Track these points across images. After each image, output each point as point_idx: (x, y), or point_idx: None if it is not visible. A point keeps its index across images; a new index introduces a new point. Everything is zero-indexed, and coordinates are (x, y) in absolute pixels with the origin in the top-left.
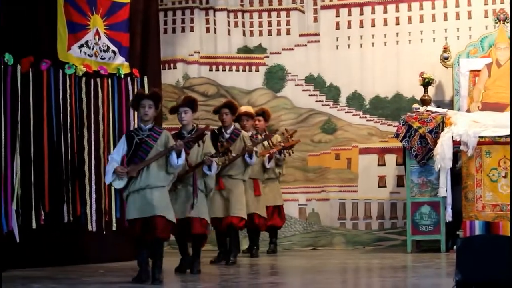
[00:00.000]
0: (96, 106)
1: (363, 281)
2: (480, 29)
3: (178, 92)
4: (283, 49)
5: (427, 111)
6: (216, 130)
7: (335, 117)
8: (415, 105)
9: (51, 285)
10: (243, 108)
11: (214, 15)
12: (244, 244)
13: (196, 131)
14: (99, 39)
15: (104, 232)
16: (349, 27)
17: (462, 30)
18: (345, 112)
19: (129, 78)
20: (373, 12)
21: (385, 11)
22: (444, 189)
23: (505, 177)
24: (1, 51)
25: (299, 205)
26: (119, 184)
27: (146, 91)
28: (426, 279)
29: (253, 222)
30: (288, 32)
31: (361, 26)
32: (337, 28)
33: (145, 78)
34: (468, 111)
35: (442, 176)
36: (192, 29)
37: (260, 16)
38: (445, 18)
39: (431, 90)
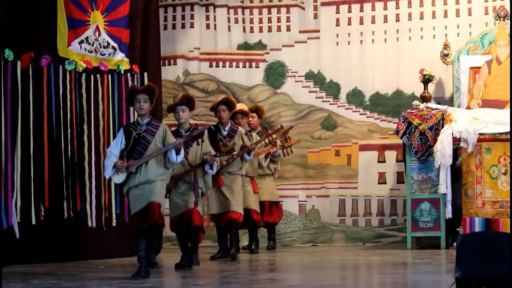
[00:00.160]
0: (96, 102)
1: (363, 277)
2: (480, 26)
3: (178, 88)
4: (283, 46)
5: (427, 108)
6: (212, 127)
7: (335, 113)
8: (415, 102)
9: (51, 281)
10: (238, 106)
11: (214, 12)
12: (244, 240)
13: (194, 130)
14: (99, 35)
15: (104, 228)
16: (349, 23)
17: (462, 27)
18: (345, 109)
19: (129, 74)
20: (373, 9)
21: (385, 8)
22: (444, 186)
23: (505, 174)
24: (1, 47)
25: (299, 201)
26: (118, 178)
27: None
28: (426, 276)
29: (251, 218)
30: (288, 29)
31: (361, 22)
32: (337, 24)
33: (145, 74)
34: (468, 108)
35: (442, 173)
36: (192, 26)
37: (260, 13)
38: (445, 15)
39: (431, 87)
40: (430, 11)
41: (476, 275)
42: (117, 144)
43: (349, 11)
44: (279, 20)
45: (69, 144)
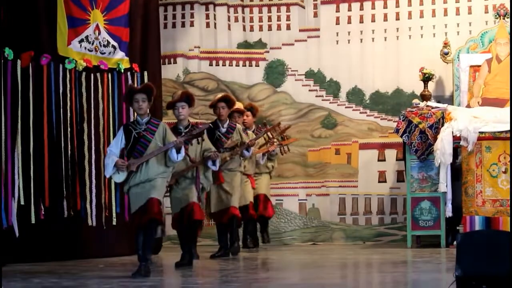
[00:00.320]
0: (96, 101)
1: (363, 276)
2: (480, 24)
3: (178, 87)
4: (283, 44)
5: (427, 106)
6: (211, 125)
7: (335, 112)
8: (415, 101)
9: (51, 280)
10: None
11: (214, 10)
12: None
13: (192, 127)
14: (99, 33)
15: (104, 227)
16: (349, 22)
17: (462, 26)
18: (345, 107)
19: (129, 73)
20: (373, 8)
21: (385, 6)
22: (444, 184)
23: (505, 172)
24: (1, 45)
25: (299, 200)
26: (119, 177)
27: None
28: (426, 274)
29: (247, 212)
30: (288, 27)
31: (361, 21)
32: (337, 23)
33: (145, 73)
34: (468, 106)
35: (442, 171)
36: (192, 24)
37: (260, 11)
38: (445, 14)
39: (431, 85)
40: (430, 9)
41: (476, 273)
42: (117, 143)
43: (349, 9)
44: (279, 18)
45: (69, 143)
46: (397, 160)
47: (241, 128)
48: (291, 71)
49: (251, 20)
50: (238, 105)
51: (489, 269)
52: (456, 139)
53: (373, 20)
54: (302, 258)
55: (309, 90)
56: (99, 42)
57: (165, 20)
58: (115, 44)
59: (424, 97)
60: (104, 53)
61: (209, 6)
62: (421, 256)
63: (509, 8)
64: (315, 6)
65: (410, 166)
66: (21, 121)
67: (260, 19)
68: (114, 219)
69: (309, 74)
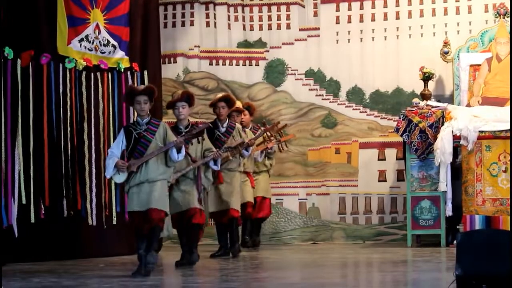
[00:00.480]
0: (96, 100)
1: (363, 275)
2: (480, 23)
3: (178, 86)
4: (283, 44)
5: (427, 105)
6: (210, 124)
7: (335, 111)
8: (415, 100)
9: (51, 279)
10: None
11: (214, 10)
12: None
13: (193, 126)
14: (99, 33)
15: (104, 226)
16: (349, 21)
17: (462, 25)
18: (345, 107)
19: (129, 72)
20: (373, 7)
21: (385, 6)
22: (444, 183)
23: (505, 171)
24: (1, 45)
25: (299, 199)
26: (119, 178)
27: (137, 85)
28: (426, 274)
29: (245, 211)
30: (288, 27)
31: (361, 20)
32: (337, 22)
33: (145, 72)
34: (468, 105)
35: (442, 170)
36: (192, 23)
37: (260, 10)
38: (445, 13)
39: (431, 84)
40: (430, 8)
41: (476, 273)
42: (118, 145)
43: (349, 9)
44: (279, 18)
45: (69, 142)
46: (397, 159)
47: (241, 127)
48: (291, 70)
49: (251, 19)
50: (237, 104)
51: (489, 269)
52: (456, 138)
53: (373, 19)
54: (302, 257)
55: (309, 90)
56: (99, 41)
57: (165, 20)
58: (115, 43)
59: (424, 96)
60: (104, 52)
61: (209, 6)
62: (421, 255)
63: (509, 7)
64: (315, 5)
65: (410, 165)
66: (21, 120)
67: (260, 18)
68: (114, 219)
69: (309, 74)
